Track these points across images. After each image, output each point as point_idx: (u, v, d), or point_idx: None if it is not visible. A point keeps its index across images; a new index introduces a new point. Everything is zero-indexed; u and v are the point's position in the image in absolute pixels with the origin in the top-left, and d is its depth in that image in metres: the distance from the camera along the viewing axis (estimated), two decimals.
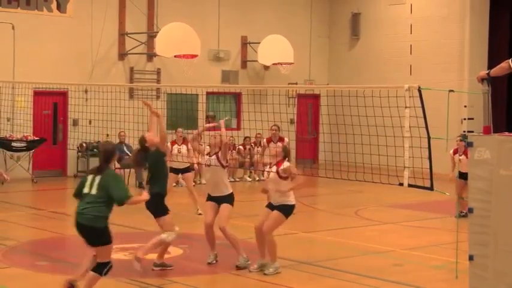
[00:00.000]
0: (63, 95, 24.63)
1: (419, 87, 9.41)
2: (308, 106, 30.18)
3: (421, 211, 16.62)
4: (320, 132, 27.96)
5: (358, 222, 17.10)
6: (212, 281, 11.55)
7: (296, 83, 28.89)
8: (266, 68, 28.45)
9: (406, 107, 9.73)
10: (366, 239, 15.01)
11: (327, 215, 18.64)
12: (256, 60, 27.39)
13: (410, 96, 9.62)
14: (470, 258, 8.53)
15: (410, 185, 9.88)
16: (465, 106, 25.56)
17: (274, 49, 26.55)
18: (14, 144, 22.90)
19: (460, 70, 26.70)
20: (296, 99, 29.55)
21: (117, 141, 22.96)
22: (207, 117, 27.71)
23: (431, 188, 9.64)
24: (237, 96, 28.23)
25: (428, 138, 9.48)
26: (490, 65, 20.73)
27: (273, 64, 27.12)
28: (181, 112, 26.04)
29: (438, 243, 14.37)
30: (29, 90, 23.19)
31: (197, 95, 24.01)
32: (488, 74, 8.60)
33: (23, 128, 23.35)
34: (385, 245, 14.66)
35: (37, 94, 23.89)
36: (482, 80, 8.58)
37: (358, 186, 20.48)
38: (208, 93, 26.32)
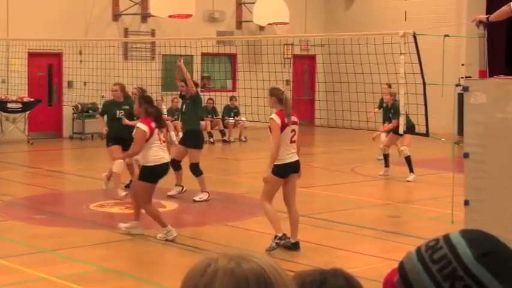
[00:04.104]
0: (58, 56, 24.53)
1: (414, 33, 9.36)
2: (304, 67, 30.12)
3: (418, 167, 16.62)
4: (316, 91, 27.82)
5: (354, 178, 17.11)
6: (202, 232, 11.58)
7: (292, 44, 28.76)
8: (261, 28, 28.28)
9: (401, 54, 9.68)
10: (362, 194, 15.03)
11: (323, 172, 18.67)
12: (252, 21, 27.24)
13: (405, 43, 9.56)
14: (466, 203, 8.53)
15: (406, 132, 9.88)
16: (463, 64, 25.31)
17: (270, 9, 26.37)
18: (9, 105, 22.82)
19: (458, 14, 26.25)
20: (292, 59, 29.43)
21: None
22: (202, 78, 27.70)
23: (427, 135, 9.63)
24: (232, 57, 28.10)
25: (424, 84, 9.45)
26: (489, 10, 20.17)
27: (268, 24, 26.96)
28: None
29: (434, 196, 14.38)
30: (23, 54, 23.13)
31: (192, 55, 23.92)
32: (487, 18, 8.52)
33: (18, 90, 23.30)
34: (381, 199, 14.72)
35: (31, 55, 23.78)
36: (479, 22, 8.50)
37: (355, 145, 20.57)
38: (203, 54, 26.18)
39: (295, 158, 9.85)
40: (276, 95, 9.83)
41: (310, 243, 10.32)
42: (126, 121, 13.13)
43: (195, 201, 13.35)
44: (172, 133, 22.72)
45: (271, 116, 9.72)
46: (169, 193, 13.67)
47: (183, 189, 13.81)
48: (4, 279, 8.63)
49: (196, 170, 13.36)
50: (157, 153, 10.37)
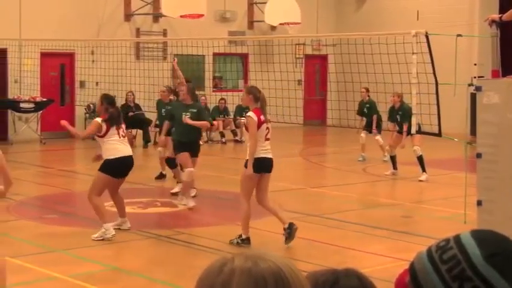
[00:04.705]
0: (70, 56, 24.58)
1: (426, 33, 9.32)
2: (315, 67, 30.09)
3: (430, 167, 16.56)
4: (328, 91, 27.78)
5: (366, 178, 17.07)
6: (212, 231, 11.55)
7: (304, 44, 28.73)
8: (273, 28, 28.24)
9: (413, 53, 9.64)
10: (374, 194, 15.00)
11: (335, 172, 18.62)
12: (263, 21, 27.20)
13: (417, 42, 9.52)
14: (479, 203, 8.49)
15: (418, 132, 9.84)
16: (475, 64, 25.14)
17: (281, 9, 26.34)
18: (22, 105, 22.89)
19: (470, 14, 26.13)
20: (303, 59, 29.39)
21: (123, 102, 22.97)
22: (214, 78, 27.72)
23: (439, 134, 9.58)
24: (244, 57, 28.08)
25: (436, 84, 9.40)
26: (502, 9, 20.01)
27: (280, 24, 26.92)
28: (188, 73, 26.00)
29: (446, 197, 14.32)
30: (35, 54, 23.19)
31: (204, 55, 23.96)
32: (500, 18, 8.47)
33: (31, 90, 23.37)
34: (393, 199, 14.68)
35: (44, 55, 23.84)
36: (492, 22, 8.45)
37: (366, 145, 20.49)
38: (215, 54, 26.17)
39: (269, 155, 10.12)
40: (253, 93, 10.15)
41: (322, 243, 10.31)
42: (188, 121, 12.59)
43: (194, 196, 13.41)
44: None
45: (248, 114, 10.08)
46: (172, 191, 14.03)
47: None
48: (15, 278, 8.63)
49: (172, 162, 13.91)
50: (116, 147, 10.73)
